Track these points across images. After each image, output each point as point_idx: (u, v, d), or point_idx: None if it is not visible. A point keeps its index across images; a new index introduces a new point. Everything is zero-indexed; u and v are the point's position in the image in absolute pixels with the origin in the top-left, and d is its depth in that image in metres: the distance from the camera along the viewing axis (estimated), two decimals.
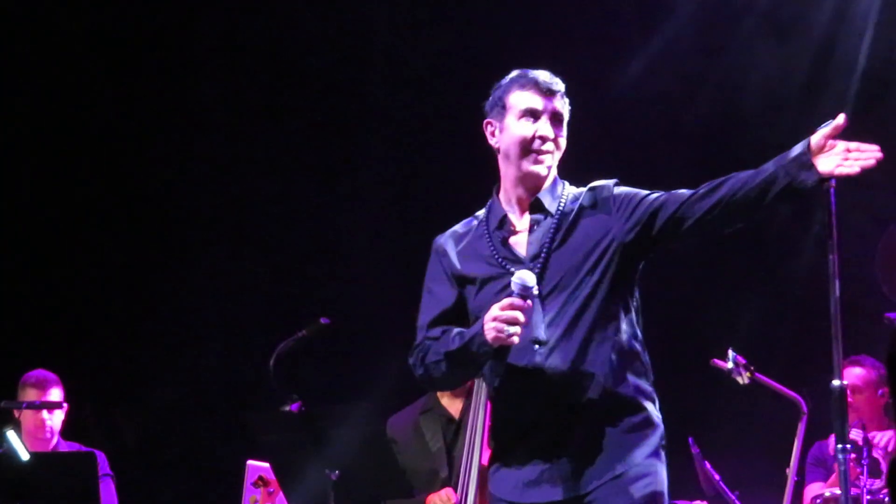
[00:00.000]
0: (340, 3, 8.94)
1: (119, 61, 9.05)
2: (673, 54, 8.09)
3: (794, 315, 7.90)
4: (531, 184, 4.42)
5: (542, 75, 4.45)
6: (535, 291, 4.24)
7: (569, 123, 4.47)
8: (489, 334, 4.17)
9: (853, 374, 6.95)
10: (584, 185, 4.48)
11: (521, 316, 4.13)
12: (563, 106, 4.44)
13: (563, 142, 4.44)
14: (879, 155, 4.05)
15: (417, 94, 8.78)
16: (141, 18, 8.98)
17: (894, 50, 7.73)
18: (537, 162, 4.39)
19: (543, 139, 4.39)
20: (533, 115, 4.40)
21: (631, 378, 4.31)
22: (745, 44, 7.99)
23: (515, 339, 4.15)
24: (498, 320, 4.14)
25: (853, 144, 4.05)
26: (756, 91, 7.87)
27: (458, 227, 4.58)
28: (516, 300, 4.14)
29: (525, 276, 4.17)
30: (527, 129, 4.39)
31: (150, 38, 9.03)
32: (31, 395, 7.39)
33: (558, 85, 4.45)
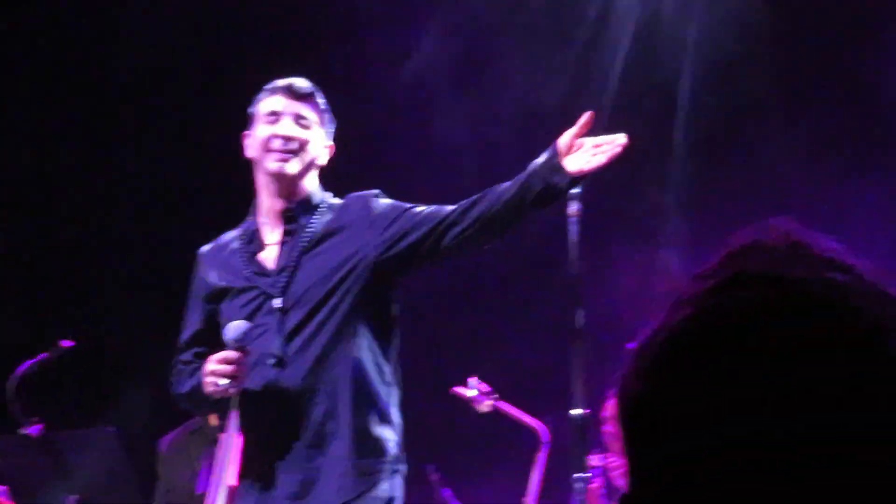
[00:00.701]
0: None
1: None
2: (428, 71, 8.06)
3: (551, 342, 7.94)
4: (282, 191, 4.35)
5: (289, 80, 4.43)
6: (277, 306, 4.19)
7: (332, 131, 4.44)
8: (206, 388, 4.15)
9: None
10: (344, 196, 4.43)
11: (236, 369, 4.10)
12: (312, 110, 4.39)
13: (315, 146, 4.37)
14: (625, 141, 4.07)
15: (177, 100, 8.56)
16: None
17: (650, 61, 7.86)
18: (277, 160, 4.32)
19: (281, 138, 4.33)
20: (274, 116, 4.36)
21: (370, 399, 4.24)
22: (502, 60, 8.02)
23: (232, 391, 4.11)
24: (214, 374, 4.11)
25: (600, 138, 4.09)
26: (513, 107, 7.89)
27: (221, 239, 4.53)
28: (230, 353, 4.10)
29: (236, 327, 4.13)
30: (267, 129, 4.35)
31: None
32: None
33: (306, 88, 4.40)
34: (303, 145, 4.35)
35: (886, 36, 7.59)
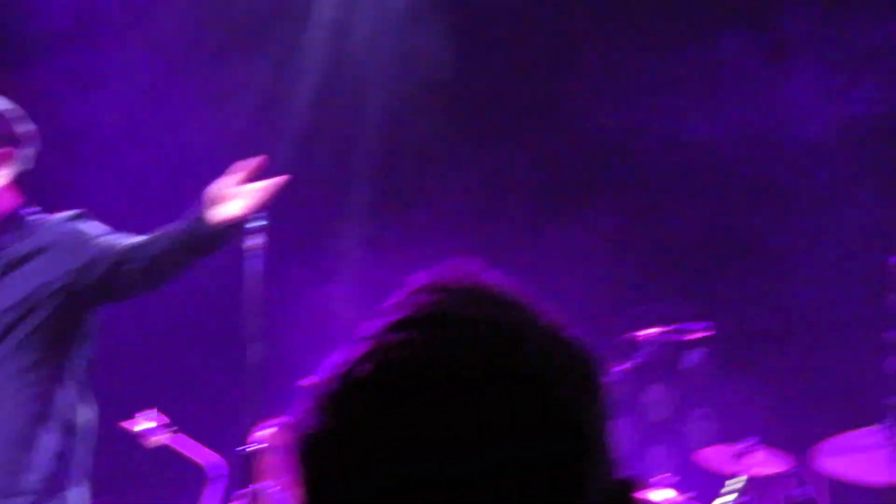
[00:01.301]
0: None
1: None
2: (118, 91, 7.93)
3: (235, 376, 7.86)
4: None
5: None
6: None
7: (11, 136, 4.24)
8: None
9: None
10: (47, 216, 4.29)
11: None
12: None
13: None
14: (282, 180, 4.09)
15: None
16: None
17: (339, 91, 7.89)
18: None
19: None
20: None
21: (40, 434, 4.11)
22: (192, 80, 7.93)
23: None
24: None
25: (257, 184, 4.08)
26: (200, 130, 7.81)
27: None
28: None
29: None
30: None
31: None
32: None
33: None
34: None
35: (579, 74, 7.79)
